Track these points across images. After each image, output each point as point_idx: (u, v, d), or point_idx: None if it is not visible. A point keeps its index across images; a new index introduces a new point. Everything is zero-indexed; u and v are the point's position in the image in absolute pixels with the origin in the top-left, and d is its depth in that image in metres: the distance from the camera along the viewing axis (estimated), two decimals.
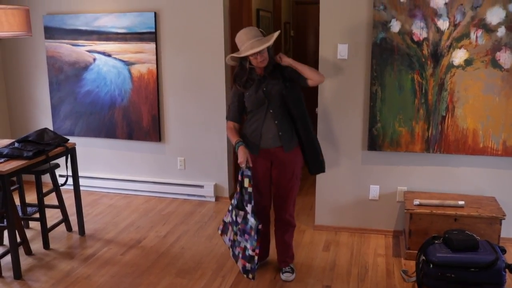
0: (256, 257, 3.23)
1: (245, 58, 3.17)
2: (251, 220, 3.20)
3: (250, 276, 3.27)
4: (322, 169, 3.46)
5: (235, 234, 3.35)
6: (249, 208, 3.20)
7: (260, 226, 3.18)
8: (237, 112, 3.35)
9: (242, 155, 3.18)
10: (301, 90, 3.30)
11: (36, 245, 4.02)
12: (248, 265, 3.26)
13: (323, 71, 3.98)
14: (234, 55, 3.19)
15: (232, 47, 4.98)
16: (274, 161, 3.30)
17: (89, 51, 5.00)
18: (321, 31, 3.96)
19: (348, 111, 4.03)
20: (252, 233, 3.20)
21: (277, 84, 3.21)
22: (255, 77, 3.24)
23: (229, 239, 3.43)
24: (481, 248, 3.15)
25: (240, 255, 3.31)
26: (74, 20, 4.97)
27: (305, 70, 3.22)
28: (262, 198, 3.41)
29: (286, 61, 3.23)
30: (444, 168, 3.97)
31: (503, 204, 3.80)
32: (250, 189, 3.19)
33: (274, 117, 3.22)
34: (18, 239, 3.72)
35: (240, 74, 3.27)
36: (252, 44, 3.11)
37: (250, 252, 3.23)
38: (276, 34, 3.19)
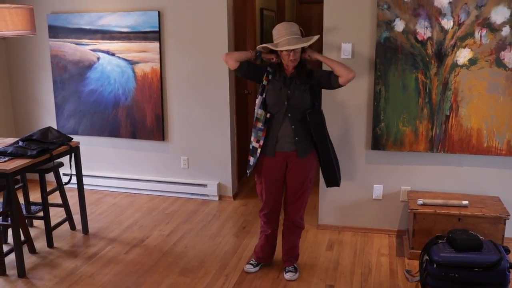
0: (259, 150, 3.26)
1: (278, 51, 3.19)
2: (258, 112, 3.23)
3: (247, 171, 3.37)
4: (337, 184, 3.46)
5: None
6: (258, 99, 3.26)
7: (268, 115, 3.20)
8: (247, 63, 3.31)
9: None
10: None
11: (40, 244, 4.03)
12: (251, 159, 3.32)
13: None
14: (269, 46, 3.17)
15: (235, 45, 4.98)
16: (289, 164, 3.30)
17: (93, 50, 5.01)
18: (325, 30, 3.95)
19: (352, 110, 4.03)
20: (259, 124, 3.23)
21: (302, 92, 3.20)
22: (282, 74, 3.23)
23: None
24: (485, 248, 3.14)
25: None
26: (78, 19, 4.98)
27: (334, 64, 3.19)
28: (274, 201, 3.42)
29: (315, 56, 3.22)
30: (448, 168, 3.96)
31: (507, 204, 3.78)
32: (264, 82, 3.25)
33: (292, 122, 3.22)
34: (22, 238, 3.74)
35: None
36: (289, 40, 3.11)
37: (253, 144, 3.29)
38: (315, 37, 3.17)
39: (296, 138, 3.23)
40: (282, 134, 3.24)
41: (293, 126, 3.22)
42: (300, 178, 3.32)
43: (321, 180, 4.22)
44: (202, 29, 4.71)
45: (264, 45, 3.22)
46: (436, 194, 3.93)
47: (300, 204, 3.41)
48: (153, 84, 4.91)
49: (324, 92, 4.02)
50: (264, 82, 3.26)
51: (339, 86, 3.22)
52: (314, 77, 3.24)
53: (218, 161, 4.97)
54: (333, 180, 3.41)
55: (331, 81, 3.22)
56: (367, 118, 4.01)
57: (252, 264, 3.58)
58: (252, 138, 3.29)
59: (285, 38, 3.12)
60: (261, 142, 3.26)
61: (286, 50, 3.11)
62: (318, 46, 4.05)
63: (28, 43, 5.29)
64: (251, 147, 3.32)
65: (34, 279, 3.51)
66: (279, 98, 3.20)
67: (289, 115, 3.20)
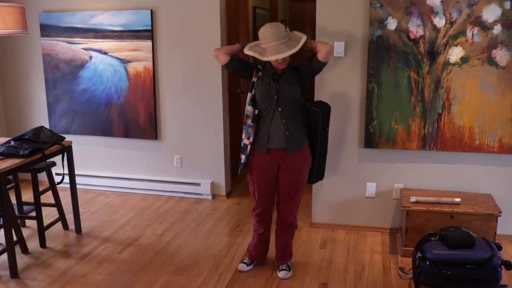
0: (249, 147, 3.26)
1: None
2: (248, 109, 3.24)
3: (239, 169, 3.38)
4: (321, 179, 3.49)
5: None
6: (248, 96, 3.26)
7: (256, 112, 3.21)
8: (238, 58, 3.33)
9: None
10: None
11: (33, 244, 4.01)
12: (242, 157, 3.33)
13: None
14: (257, 56, 3.13)
15: (228, 44, 4.97)
16: (282, 164, 3.30)
17: (85, 49, 4.99)
18: (318, 28, 3.96)
19: (345, 109, 4.04)
20: (248, 121, 3.24)
21: (291, 86, 3.19)
22: (271, 70, 3.22)
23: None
24: (477, 245, 3.16)
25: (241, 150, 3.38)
26: (70, 17, 4.96)
27: (314, 44, 3.20)
28: (266, 201, 3.42)
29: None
30: (440, 166, 3.98)
31: (499, 201, 3.81)
32: (254, 79, 3.25)
33: (282, 116, 3.21)
34: (15, 238, 3.72)
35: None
36: (277, 47, 3.07)
37: (244, 141, 3.29)
38: (302, 40, 3.12)
39: (287, 133, 3.22)
40: (274, 129, 3.23)
41: (284, 121, 3.21)
42: (293, 178, 3.32)
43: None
44: (194, 28, 4.70)
45: (251, 54, 3.17)
46: (429, 191, 3.95)
47: (293, 204, 3.41)
48: (146, 83, 4.89)
49: (317, 90, 4.04)
50: (254, 79, 3.26)
51: (321, 63, 3.17)
52: (300, 68, 3.25)
53: (211, 160, 4.97)
54: (321, 175, 3.45)
55: (313, 61, 3.19)
56: (359, 116, 4.02)
57: (245, 263, 3.59)
58: (243, 135, 3.30)
59: (272, 45, 3.08)
60: (251, 139, 3.25)
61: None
62: None
63: (19, 42, 5.26)
64: (242, 144, 3.33)
65: (26, 279, 3.49)
66: (268, 93, 3.20)
67: (279, 109, 3.20)
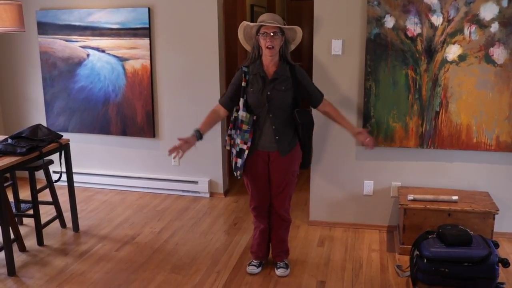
0: (246, 152, 3.26)
1: (258, 45, 3.18)
2: (242, 114, 3.22)
3: (238, 173, 3.34)
4: (309, 165, 3.51)
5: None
6: (241, 102, 3.23)
7: (254, 118, 3.21)
8: (230, 99, 3.32)
9: (180, 144, 3.30)
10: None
11: (30, 242, 4.01)
12: (238, 161, 3.30)
13: (317, 67, 4.00)
14: (249, 23, 3.20)
15: (226, 42, 4.97)
16: (271, 157, 3.29)
17: (83, 47, 4.98)
18: (315, 26, 3.96)
19: (342, 107, 4.02)
20: (245, 127, 3.22)
21: (284, 93, 3.17)
22: (261, 74, 3.19)
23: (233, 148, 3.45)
24: (475, 243, 3.16)
25: (234, 153, 3.34)
26: (68, 15, 4.95)
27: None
28: (260, 194, 3.41)
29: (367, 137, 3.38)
30: (437, 164, 3.99)
31: (496, 199, 3.82)
32: (243, 84, 3.22)
33: (273, 122, 3.20)
34: (12, 236, 3.71)
35: (251, 59, 3.26)
36: (268, 17, 3.15)
37: (240, 146, 3.27)
38: (297, 28, 3.21)
39: (277, 137, 3.22)
40: (264, 135, 3.23)
41: (273, 127, 3.21)
42: (283, 172, 3.31)
43: (312, 176, 4.25)
44: (192, 26, 4.69)
45: (245, 22, 3.24)
46: (426, 189, 3.95)
47: (284, 197, 3.40)
48: (144, 81, 4.89)
49: None
50: (243, 84, 3.23)
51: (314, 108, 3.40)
52: (298, 78, 3.22)
53: (209, 158, 4.96)
54: (307, 162, 3.46)
55: (312, 101, 3.37)
56: (357, 114, 4.02)
57: (254, 265, 3.54)
58: (239, 141, 3.26)
59: (265, 18, 3.16)
60: (249, 144, 3.25)
61: (263, 33, 3.09)
62: (309, 43, 4.06)
63: (16, 40, 5.24)
64: (237, 149, 3.29)
65: (24, 277, 3.49)
66: (260, 100, 3.18)
67: (270, 115, 3.19)
